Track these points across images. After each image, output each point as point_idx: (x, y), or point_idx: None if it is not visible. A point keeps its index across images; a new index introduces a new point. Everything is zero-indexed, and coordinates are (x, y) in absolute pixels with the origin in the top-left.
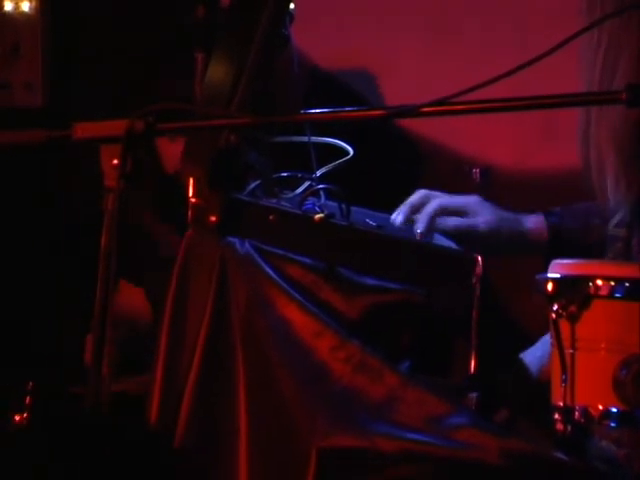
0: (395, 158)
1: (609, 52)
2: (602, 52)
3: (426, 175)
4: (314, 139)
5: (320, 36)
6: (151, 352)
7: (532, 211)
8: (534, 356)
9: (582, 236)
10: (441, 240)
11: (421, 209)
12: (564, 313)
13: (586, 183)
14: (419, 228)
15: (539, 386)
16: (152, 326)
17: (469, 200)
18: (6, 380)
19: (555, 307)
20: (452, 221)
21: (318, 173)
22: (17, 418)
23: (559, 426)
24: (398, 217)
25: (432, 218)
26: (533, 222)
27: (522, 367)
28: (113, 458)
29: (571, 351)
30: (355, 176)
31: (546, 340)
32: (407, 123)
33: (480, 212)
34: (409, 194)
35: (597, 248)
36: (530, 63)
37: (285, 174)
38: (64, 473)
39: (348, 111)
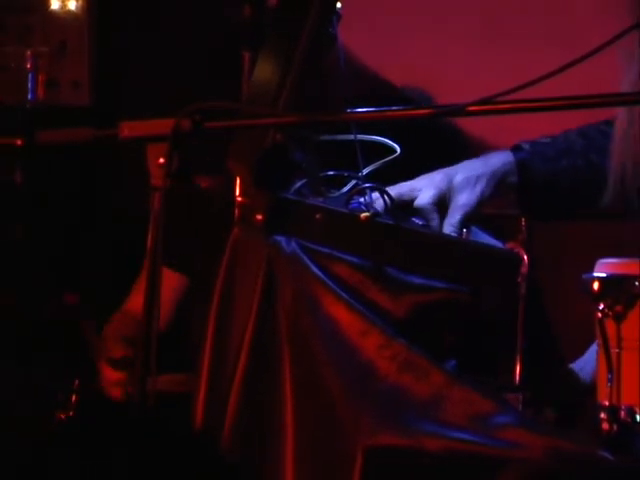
0: (440, 157)
1: None
2: None
3: None
4: (360, 137)
5: (370, 38)
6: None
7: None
8: (584, 368)
9: (550, 180)
10: (486, 238)
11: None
12: (610, 313)
13: (621, 188)
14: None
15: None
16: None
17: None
18: (52, 379)
19: (601, 306)
20: (454, 223)
21: (365, 172)
22: (63, 417)
23: (605, 425)
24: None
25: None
26: (502, 162)
27: (571, 375)
28: (159, 455)
29: (617, 350)
30: (402, 175)
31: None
32: (452, 122)
33: (458, 189)
34: None
35: (566, 193)
36: (570, 65)
37: (331, 173)
38: (109, 469)
39: (395, 110)
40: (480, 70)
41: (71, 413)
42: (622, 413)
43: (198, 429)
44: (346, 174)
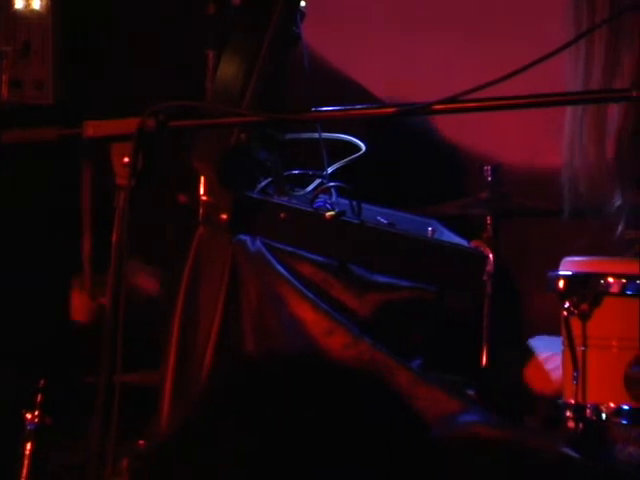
0: (407, 156)
1: (609, 53)
2: (601, 53)
3: (438, 173)
4: (325, 135)
5: (339, 38)
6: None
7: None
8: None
9: None
10: (452, 237)
11: None
12: (575, 311)
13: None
14: None
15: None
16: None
17: None
18: (18, 378)
19: (567, 305)
20: None
21: (329, 170)
22: (29, 416)
23: (570, 424)
24: None
25: None
26: None
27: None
28: None
29: (582, 349)
30: (367, 173)
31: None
32: (421, 121)
33: None
34: (421, 191)
35: None
36: (530, 66)
37: (296, 171)
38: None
39: (359, 108)
40: (453, 68)
41: (37, 412)
42: (588, 411)
43: (164, 425)
44: (311, 173)
